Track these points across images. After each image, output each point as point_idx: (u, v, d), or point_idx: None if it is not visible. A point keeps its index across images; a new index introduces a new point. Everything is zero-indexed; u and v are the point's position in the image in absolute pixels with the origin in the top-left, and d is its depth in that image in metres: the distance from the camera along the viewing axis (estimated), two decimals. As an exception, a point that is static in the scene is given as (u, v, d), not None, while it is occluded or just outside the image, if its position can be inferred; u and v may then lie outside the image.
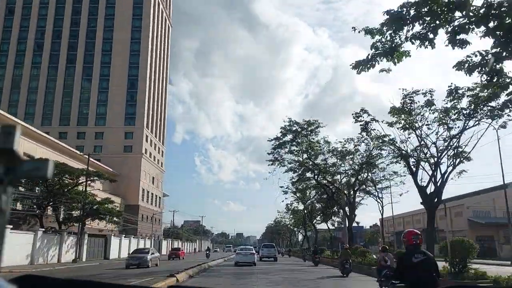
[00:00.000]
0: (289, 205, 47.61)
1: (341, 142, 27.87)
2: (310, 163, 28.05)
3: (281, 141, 28.00)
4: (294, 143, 27.61)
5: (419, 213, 74.25)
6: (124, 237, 50.39)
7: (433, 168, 19.72)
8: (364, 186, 29.21)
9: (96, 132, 76.80)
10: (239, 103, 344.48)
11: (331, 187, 29.13)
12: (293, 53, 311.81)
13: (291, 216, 58.76)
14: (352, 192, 29.12)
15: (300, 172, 29.42)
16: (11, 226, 27.74)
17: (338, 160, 27.88)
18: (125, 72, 79.08)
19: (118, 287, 1.22)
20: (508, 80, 9.73)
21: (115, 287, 1.21)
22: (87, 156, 41.19)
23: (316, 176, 28.44)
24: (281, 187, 41.23)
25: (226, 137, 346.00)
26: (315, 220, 44.67)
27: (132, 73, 79.26)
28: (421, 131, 20.15)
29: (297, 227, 65.45)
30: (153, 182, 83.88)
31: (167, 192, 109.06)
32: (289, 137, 27.70)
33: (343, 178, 30.17)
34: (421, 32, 9.13)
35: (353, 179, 28.66)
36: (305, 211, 44.77)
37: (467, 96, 18.08)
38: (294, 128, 27.28)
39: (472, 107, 18.12)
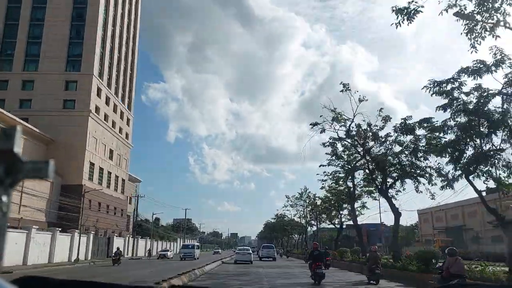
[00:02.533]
0: (333, 152, 23.49)
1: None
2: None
3: None
4: None
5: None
6: (12, 229, 26.85)
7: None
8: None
9: (24, 80, 53.09)
10: (234, 101, 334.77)
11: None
12: (290, 49, 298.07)
13: (330, 191, 34.73)
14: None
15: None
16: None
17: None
18: (70, -2, 55.57)
19: (121, 287, 1.30)
20: None
21: (117, 287, 1.30)
22: None
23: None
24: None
25: (220, 135, 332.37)
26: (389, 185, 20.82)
27: (80, -1, 55.68)
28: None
29: (326, 213, 41.91)
30: (112, 156, 60.50)
31: (142, 178, 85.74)
32: None
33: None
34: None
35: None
36: (371, 166, 20.95)
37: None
38: None
39: None
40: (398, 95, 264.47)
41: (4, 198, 0.71)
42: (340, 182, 28.91)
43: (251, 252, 36.08)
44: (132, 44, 70.70)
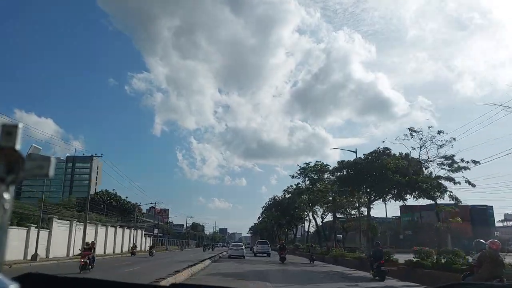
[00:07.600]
0: None
1: None
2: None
3: None
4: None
5: None
6: None
7: None
8: None
9: None
10: (223, 92, 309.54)
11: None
12: (283, 35, 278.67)
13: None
14: None
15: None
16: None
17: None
18: None
19: (122, 285, 1.30)
20: None
21: (118, 285, 1.28)
22: None
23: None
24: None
25: (210, 129, 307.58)
26: None
27: None
28: None
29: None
30: None
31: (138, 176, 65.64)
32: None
33: None
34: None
35: None
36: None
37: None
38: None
39: None
40: (396, 86, 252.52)
41: (6, 196, 0.71)
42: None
43: (243, 247, 41.83)
44: None
